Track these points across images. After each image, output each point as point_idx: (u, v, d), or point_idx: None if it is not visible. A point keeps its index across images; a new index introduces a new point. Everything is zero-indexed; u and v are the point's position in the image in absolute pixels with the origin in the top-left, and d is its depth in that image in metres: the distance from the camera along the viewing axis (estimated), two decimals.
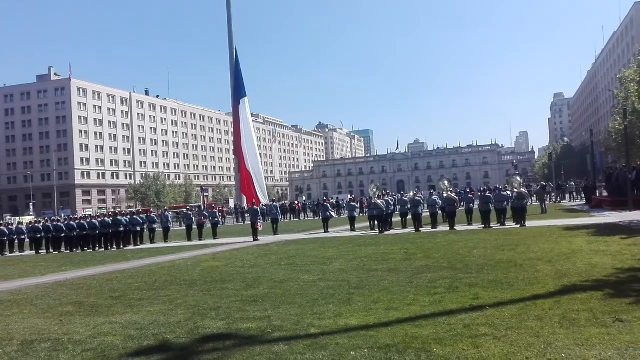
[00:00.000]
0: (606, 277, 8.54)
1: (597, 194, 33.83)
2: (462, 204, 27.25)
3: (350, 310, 7.38)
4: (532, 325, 5.93)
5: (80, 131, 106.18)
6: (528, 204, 22.81)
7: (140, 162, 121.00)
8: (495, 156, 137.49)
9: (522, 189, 22.21)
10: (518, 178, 24.20)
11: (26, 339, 7.02)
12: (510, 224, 20.77)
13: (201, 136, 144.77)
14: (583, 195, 38.94)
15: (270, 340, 6.09)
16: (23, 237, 27.91)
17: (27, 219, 51.27)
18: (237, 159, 24.48)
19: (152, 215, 29.64)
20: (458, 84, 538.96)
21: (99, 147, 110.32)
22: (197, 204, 71.56)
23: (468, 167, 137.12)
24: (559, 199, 43.95)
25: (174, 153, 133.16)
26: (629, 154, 28.18)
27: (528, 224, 20.12)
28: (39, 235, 26.42)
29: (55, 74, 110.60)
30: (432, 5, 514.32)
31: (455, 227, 20.98)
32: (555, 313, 6.38)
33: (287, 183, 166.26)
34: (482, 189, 25.29)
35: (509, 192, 22.21)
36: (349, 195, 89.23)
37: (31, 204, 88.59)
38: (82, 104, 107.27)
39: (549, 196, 40.19)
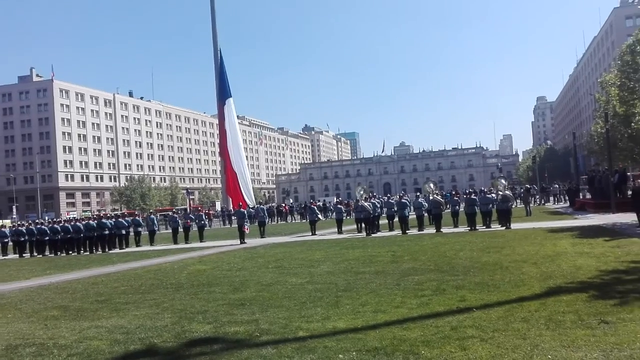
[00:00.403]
0: (590, 278, 8.65)
1: (581, 197, 34.26)
2: (448, 206, 27.43)
3: (338, 313, 7.39)
4: (518, 327, 5.99)
5: (64, 133, 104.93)
6: (513, 206, 23.02)
7: (125, 165, 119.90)
8: (480, 159, 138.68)
9: (507, 192, 22.42)
10: (503, 181, 24.42)
11: (10, 344, 6.93)
12: (496, 226, 20.96)
13: (186, 138, 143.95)
14: (567, 198, 39.41)
15: (258, 344, 6.08)
16: (6, 240, 27.49)
17: (6, 222, 50.82)
18: (222, 159, 24.41)
19: (137, 218, 29.39)
20: (442, 87, 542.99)
21: (82, 149, 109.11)
22: (183, 207, 71.16)
23: (453, 169, 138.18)
24: (543, 202, 44.45)
25: (159, 155, 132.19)
26: (611, 157, 28.64)
27: (513, 226, 20.31)
28: (23, 239, 26.04)
29: (37, 75, 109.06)
30: (416, 9, 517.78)
31: (441, 230, 21.10)
32: (541, 315, 6.45)
33: (274, 185, 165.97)
34: (467, 191, 25.47)
35: (494, 195, 22.41)
36: (335, 198, 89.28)
37: (14, 207, 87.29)
38: (64, 106, 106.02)
39: (533, 198, 40.62)
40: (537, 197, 45.05)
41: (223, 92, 24.01)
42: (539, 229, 18.46)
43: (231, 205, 25.77)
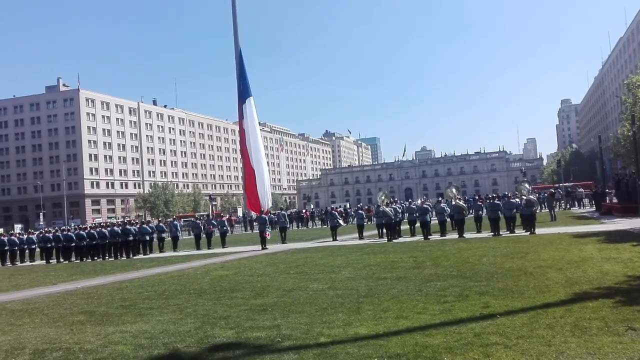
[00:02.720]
0: (617, 284, 8.48)
1: (607, 201, 33.58)
2: (471, 211, 27.13)
3: (360, 319, 7.37)
4: (543, 333, 5.90)
5: (89, 141, 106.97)
6: (537, 211, 22.65)
7: (149, 172, 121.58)
8: (504, 163, 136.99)
9: (531, 196, 22.08)
10: (526, 185, 24.06)
11: (37, 348, 7.07)
12: (520, 232, 20.67)
13: (209, 145, 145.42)
14: (593, 202, 38.66)
15: (279, 350, 6.09)
16: (33, 246, 28.10)
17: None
18: (242, 158, 24.50)
19: (161, 224, 29.70)
20: (465, 90, 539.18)
21: (107, 157, 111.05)
22: (206, 213, 71.73)
23: (476, 174, 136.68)
24: (568, 206, 43.66)
25: (182, 162, 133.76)
26: (638, 160, 27.97)
27: (537, 231, 20.00)
28: (49, 245, 26.60)
29: (64, 85, 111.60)
30: (437, 13, 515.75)
31: (464, 235, 20.90)
32: (567, 321, 6.34)
33: (295, 191, 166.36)
34: (491, 196, 25.17)
35: (517, 200, 22.09)
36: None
37: (41, 214, 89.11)
38: (90, 115, 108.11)
39: (558, 203, 39.92)
40: (562, 201, 44.28)
41: (243, 92, 24.07)
42: (564, 234, 18.15)
43: (247, 205, 25.70)
